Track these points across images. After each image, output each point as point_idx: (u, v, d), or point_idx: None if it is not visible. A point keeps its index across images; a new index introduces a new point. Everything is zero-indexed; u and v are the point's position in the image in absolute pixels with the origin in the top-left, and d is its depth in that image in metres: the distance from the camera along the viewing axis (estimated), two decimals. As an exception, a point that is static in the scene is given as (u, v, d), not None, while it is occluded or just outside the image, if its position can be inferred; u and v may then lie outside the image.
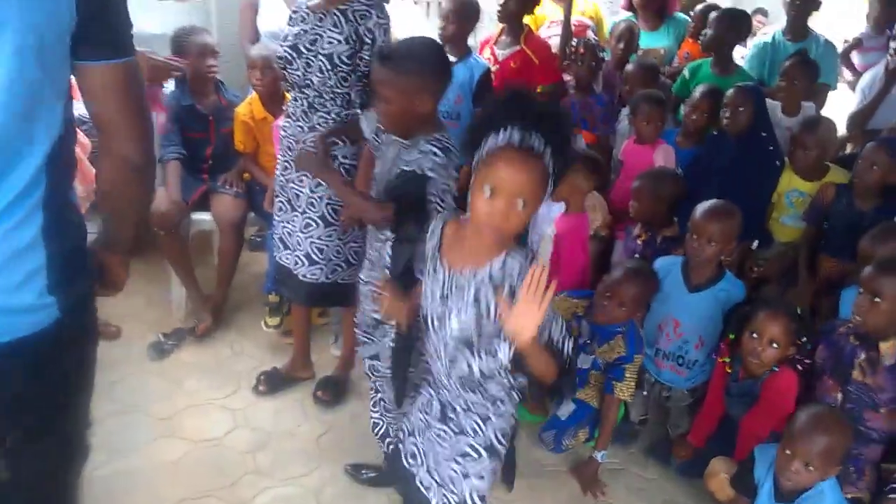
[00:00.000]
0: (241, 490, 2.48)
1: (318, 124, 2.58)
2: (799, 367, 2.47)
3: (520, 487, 2.57)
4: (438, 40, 3.52)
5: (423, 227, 1.76)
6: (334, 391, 2.94)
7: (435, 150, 1.99)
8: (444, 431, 1.77)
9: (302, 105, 2.60)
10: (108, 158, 1.35)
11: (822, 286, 2.98)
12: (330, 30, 2.46)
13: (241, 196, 3.37)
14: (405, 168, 2.02)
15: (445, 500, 1.78)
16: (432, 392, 1.80)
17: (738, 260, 3.09)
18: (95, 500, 2.33)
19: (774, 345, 2.38)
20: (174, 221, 3.16)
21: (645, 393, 2.86)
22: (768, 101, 3.54)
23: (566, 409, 2.73)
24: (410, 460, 1.85)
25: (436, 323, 1.67)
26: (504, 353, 1.59)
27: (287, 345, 3.15)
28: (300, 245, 2.67)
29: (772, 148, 3.26)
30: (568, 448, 2.73)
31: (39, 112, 1.17)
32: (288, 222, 2.71)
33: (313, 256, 2.66)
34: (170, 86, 3.40)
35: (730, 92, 3.23)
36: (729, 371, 2.56)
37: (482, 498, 1.78)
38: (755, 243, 3.20)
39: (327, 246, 2.65)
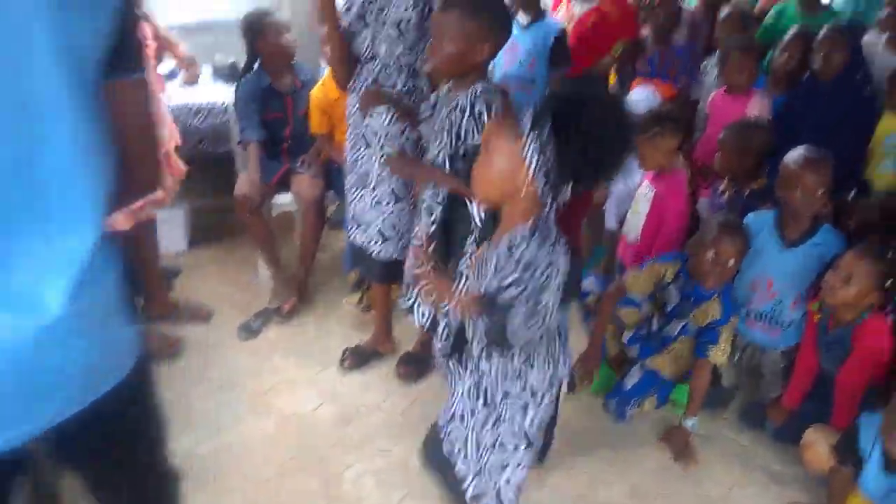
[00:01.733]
0: (332, 464, 2.54)
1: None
2: (892, 318, 2.32)
3: (606, 458, 2.57)
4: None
5: None
6: (416, 367, 2.96)
7: (474, 112, 2.01)
8: (486, 418, 1.80)
9: (366, 80, 2.59)
10: (130, 181, 1.21)
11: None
12: None
13: (320, 175, 3.41)
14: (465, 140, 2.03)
15: (482, 489, 1.82)
16: (477, 377, 1.81)
17: (835, 212, 2.91)
18: (197, 476, 2.44)
19: (850, 281, 2.27)
20: (256, 203, 3.23)
21: (736, 357, 2.75)
22: (871, 34, 3.31)
23: (632, 378, 2.66)
24: (448, 447, 1.89)
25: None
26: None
27: (370, 320, 3.19)
28: (372, 223, 2.68)
29: (868, 91, 3.04)
30: (632, 417, 2.65)
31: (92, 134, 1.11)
32: (360, 200, 2.72)
33: (385, 233, 2.67)
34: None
35: (822, 33, 3.02)
36: (817, 318, 2.44)
37: (517, 489, 1.82)
38: (852, 193, 3.00)
39: (399, 221, 2.65)
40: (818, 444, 2.24)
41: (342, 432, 2.68)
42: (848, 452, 2.12)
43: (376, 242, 2.69)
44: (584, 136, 1.44)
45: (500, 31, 2.06)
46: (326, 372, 3.00)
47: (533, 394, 1.75)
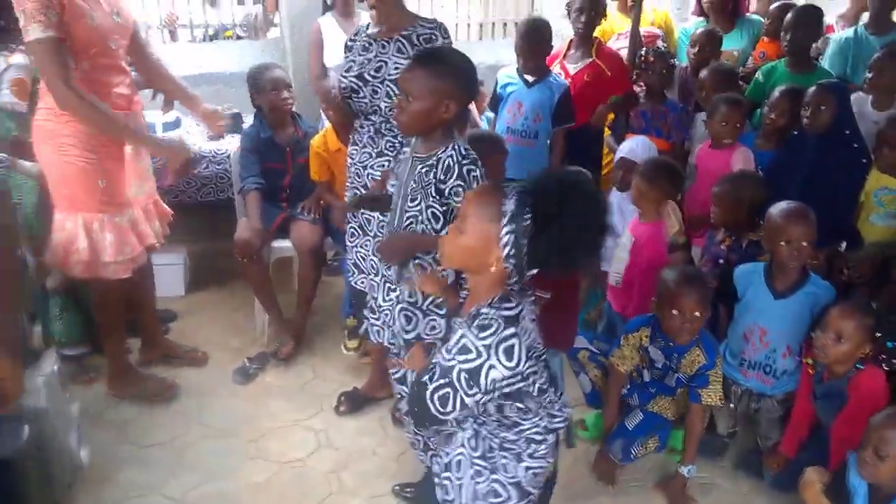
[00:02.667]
0: (327, 509, 2.52)
1: (386, 149, 2.62)
2: (885, 366, 2.34)
3: (604, 504, 2.55)
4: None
5: None
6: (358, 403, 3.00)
7: (471, 168, 2.02)
8: (482, 468, 1.79)
9: (369, 131, 2.65)
10: None
11: (920, 287, 2.81)
12: (395, 55, 2.52)
13: (319, 222, 3.45)
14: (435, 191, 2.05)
15: None
16: (476, 427, 1.80)
17: (827, 263, 2.96)
18: (189, 520, 2.43)
19: (841, 340, 2.30)
20: (256, 248, 3.27)
21: (733, 405, 2.76)
22: (859, 94, 3.40)
23: (634, 419, 2.65)
24: (442, 493, 1.88)
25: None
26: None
27: (366, 365, 3.20)
28: (374, 268, 2.71)
29: (857, 146, 3.11)
30: (637, 457, 2.62)
31: None
32: (361, 247, 2.74)
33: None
34: (248, 120, 3.54)
35: (811, 90, 3.10)
36: (812, 372, 2.45)
37: None
38: (843, 245, 3.06)
39: None
40: (817, 484, 2.24)
41: (338, 478, 2.67)
42: (839, 491, 2.13)
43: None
44: (563, 229, 1.51)
45: (467, 91, 2.11)
46: (322, 417, 2.99)
47: (528, 443, 1.75)
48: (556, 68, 3.85)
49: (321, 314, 3.69)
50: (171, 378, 3.13)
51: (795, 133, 3.29)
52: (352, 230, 2.78)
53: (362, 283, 2.79)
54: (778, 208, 2.59)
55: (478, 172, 2.03)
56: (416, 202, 2.09)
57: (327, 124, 3.44)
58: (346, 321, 3.37)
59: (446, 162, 2.03)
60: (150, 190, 2.98)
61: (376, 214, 2.65)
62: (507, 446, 1.76)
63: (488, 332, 1.57)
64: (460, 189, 2.02)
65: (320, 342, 3.52)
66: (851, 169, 3.08)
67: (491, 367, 1.57)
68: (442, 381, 1.61)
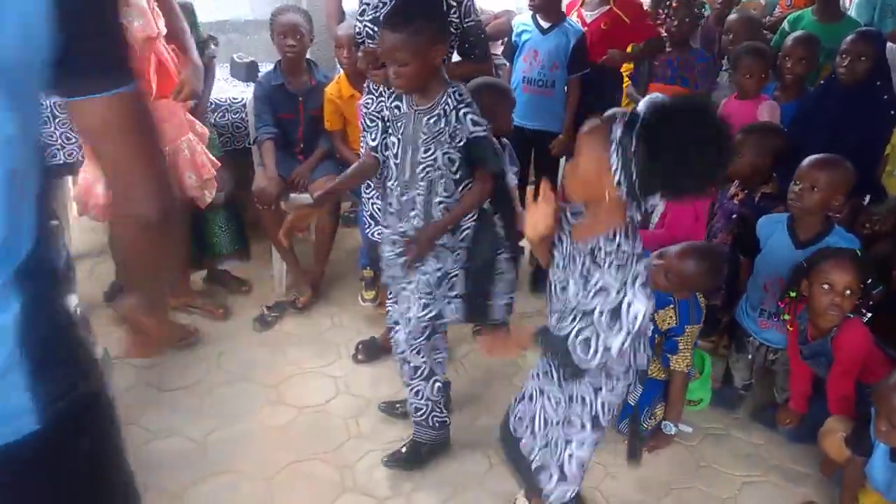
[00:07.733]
0: (345, 454, 2.56)
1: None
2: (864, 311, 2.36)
3: (617, 450, 2.55)
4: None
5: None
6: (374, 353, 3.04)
7: (467, 111, 2.07)
8: (560, 397, 1.81)
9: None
10: (118, 214, 1.11)
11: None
12: None
13: (335, 173, 3.42)
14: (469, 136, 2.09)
15: (546, 461, 1.83)
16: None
17: (850, 216, 2.93)
18: (210, 463, 2.48)
19: (848, 292, 2.29)
20: (273, 197, 3.26)
21: (750, 357, 2.76)
22: (889, 45, 3.32)
23: (634, 393, 2.63)
24: (516, 425, 1.92)
25: (558, 289, 1.73)
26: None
27: (382, 316, 3.20)
28: None
29: (886, 97, 3.05)
30: (646, 431, 2.60)
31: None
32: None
33: None
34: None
35: (849, 38, 3.01)
36: (790, 328, 2.46)
37: (580, 465, 1.82)
38: (867, 198, 3.02)
39: None
40: (838, 433, 2.25)
41: (356, 423, 2.71)
42: (860, 442, 2.14)
43: None
44: (677, 147, 1.46)
45: (443, 26, 2.17)
46: (339, 364, 3.03)
47: (608, 376, 1.76)
48: (573, 16, 3.77)
49: (337, 265, 3.70)
50: (192, 325, 3.16)
51: (822, 83, 3.23)
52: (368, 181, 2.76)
53: (379, 234, 2.77)
54: (810, 157, 2.56)
55: (472, 112, 2.08)
56: (430, 152, 2.11)
57: (341, 72, 3.40)
58: (363, 272, 3.38)
59: (445, 109, 2.08)
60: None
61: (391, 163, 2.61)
62: (586, 379, 1.76)
63: (624, 271, 1.57)
64: (457, 132, 2.08)
65: (337, 292, 3.54)
66: (879, 121, 3.03)
67: (630, 302, 1.55)
68: (582, 325, 1.60)
